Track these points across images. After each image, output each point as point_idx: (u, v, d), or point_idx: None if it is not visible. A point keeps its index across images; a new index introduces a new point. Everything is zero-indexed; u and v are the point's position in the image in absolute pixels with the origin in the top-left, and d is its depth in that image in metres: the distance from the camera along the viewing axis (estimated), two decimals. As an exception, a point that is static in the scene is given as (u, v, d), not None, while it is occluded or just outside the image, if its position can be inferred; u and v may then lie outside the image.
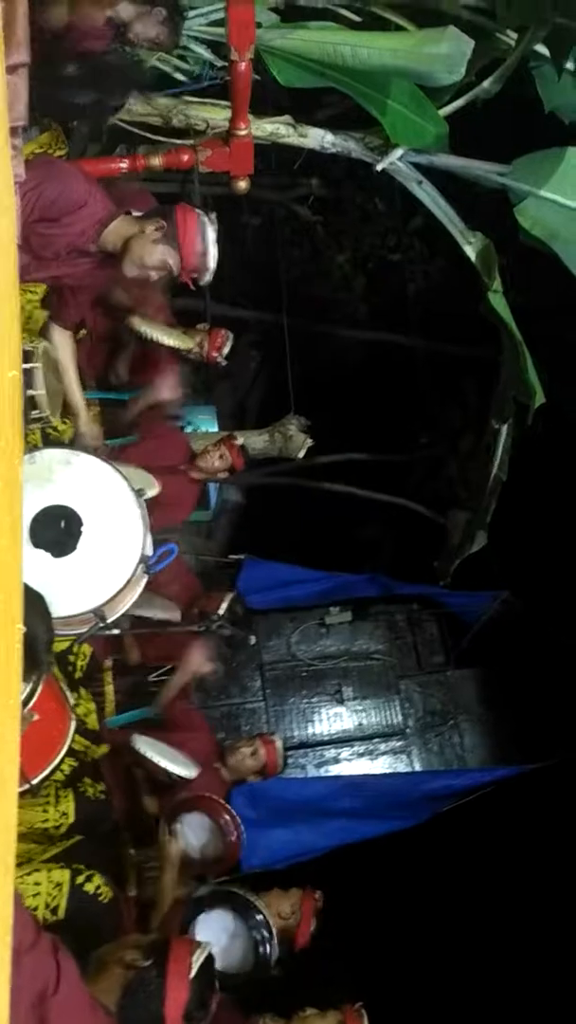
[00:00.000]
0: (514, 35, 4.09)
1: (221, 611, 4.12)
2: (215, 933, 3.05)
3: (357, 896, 5.36)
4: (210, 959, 2.20)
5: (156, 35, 3.60)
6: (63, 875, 3.08)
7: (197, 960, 2.12)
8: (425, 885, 5.95)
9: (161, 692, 4.17)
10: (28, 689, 2.36)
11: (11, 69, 1.79)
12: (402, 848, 5.32)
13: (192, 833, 3.55)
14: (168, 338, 4.21)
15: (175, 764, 3.59)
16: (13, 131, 1.73)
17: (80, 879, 3.10)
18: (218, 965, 2.47)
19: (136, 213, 3.37)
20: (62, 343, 3.65)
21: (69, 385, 3.69)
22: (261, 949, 3.08)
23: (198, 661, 4.05)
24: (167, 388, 4.33)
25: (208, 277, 3.27)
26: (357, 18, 4.17)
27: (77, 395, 3.73)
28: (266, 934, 3.09)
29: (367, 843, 5.05)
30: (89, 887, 3.10)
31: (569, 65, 3.99)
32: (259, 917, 3.10)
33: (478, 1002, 5.56)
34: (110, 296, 3.81)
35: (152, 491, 3.66)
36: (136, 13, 3.53)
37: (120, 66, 3.69)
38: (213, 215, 3.49)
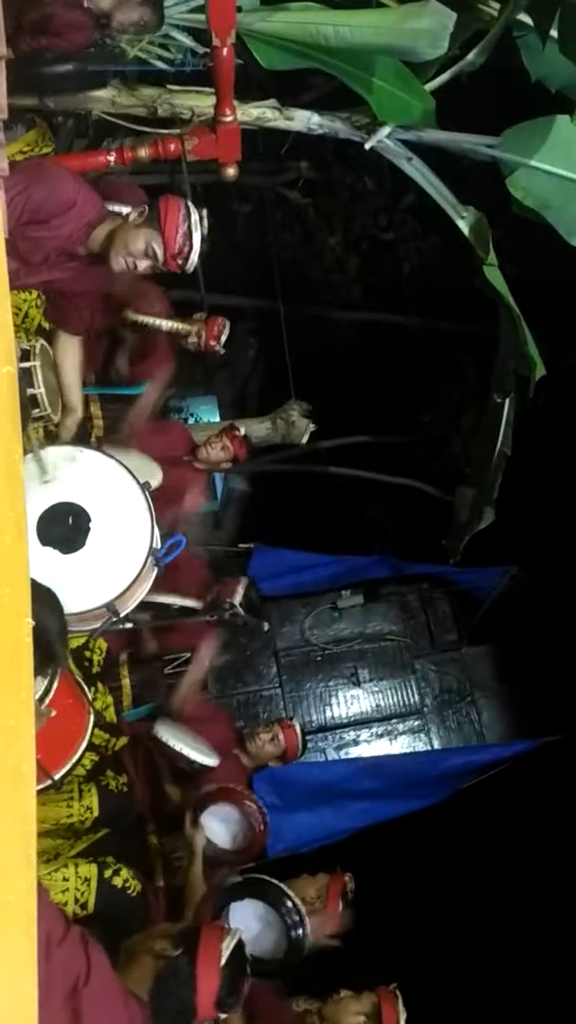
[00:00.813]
0: (496, 5, 4.05)
1: (237, 598, 4.12)
2: (247, 921, 3.06)
3: (384, 877, 5.39)
4: (240, 945, 2.22)
5: (139, 17, 3.58)
6: (91, 870, 3.11)
7: (227, 947, 2.13)
8: (449, 863, 5.98)
9: (178, 688, 4.18)
10: (44, 685, 2.37)
11: (-11, 62, 1.78)
12: (425, 827, 5.34)
13: (218, 824, 3.57)
14: (165, 323, 4.20)
15: (197, 752, 3.61)
16: (-3, 125, 1.72)
17: (108, 873, 3.12)
18: (251, 952, 2.48)
19: (126, 208, 3.36)
20: (70, 348, 3.62)
21: (69, 387, 3.65)
22: (293, 934, 3.09)
23: (211, 653, 4.05)
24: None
25: (194, 260, 3.24)
26: (337, -3, 4.13)
27: (75, 398, 3.69)
28: (297, 919, 3.11)
29: (392, 823, 5.07)
30: (117, 881, 3.13)
31: (553, 33, 3.95)
32: (289, 903, 3.11)
33: (508, 981, 5.59)
34: (108, 295, 3.79)
35: (156, 480, 3.66)
36: (114, 1, 3.52)
37: (98, 44, 3.67)
38: (204, 211, 3.47)
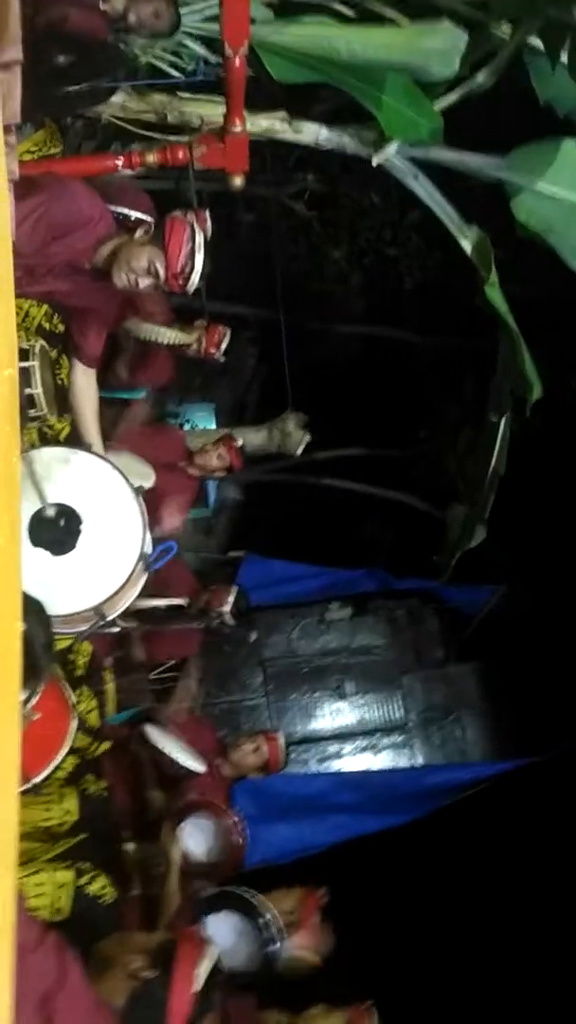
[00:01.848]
0: (508, 28, 4.08)
1: (226, 607, 4.12)
2: (222, 933, 3.05)
3: (362, 892, 5.36)
4: (216, 967, 2.21)
5: (154, 11, 3.60)
6: (67, 876, 3.09)
7: (202, 972, 2.13)
8: (429, 880, 5.96)
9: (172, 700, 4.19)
10: (27, 694, 2.36)
11: (4, 66, 1.78)
12: (406, 843, 5.32)
13: (196, 836, 3.55)
14: (166, 336, 4.20)
15: (184, 755, 3.60)
16: (7, 129, 1.71)
17: (83, 880, 3.11)
18: (225, 965, 2.46)
19: (135, 213, 3.36)
20: (87, 387, 3.58)
21: (87, 430, 3.58)
22: (269, 948, 3.08)
23: (199, 667, 4.06)
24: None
25: (195, 281, 3.25)
26: (351, 13, 4.15)
27: (94, 438, 3.61)
28: (273, 933, 3.10)
29: (371, 838, 5.05)
30: (92, 888, 3.11)
31: (563, 58, 3.98)
32: (266, 916, 3.10)
33: (484, 997, 5.57)
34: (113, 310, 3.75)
35: (148, 482, 3.65)
36: (127, 1, 3.55)
37: (111, 47, 3.67)
38: (207, 213, 3.48)
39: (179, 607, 4.14)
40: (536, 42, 4.01)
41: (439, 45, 3.79)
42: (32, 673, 2.25)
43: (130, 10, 3.66)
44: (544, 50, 3.95)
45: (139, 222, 3.44)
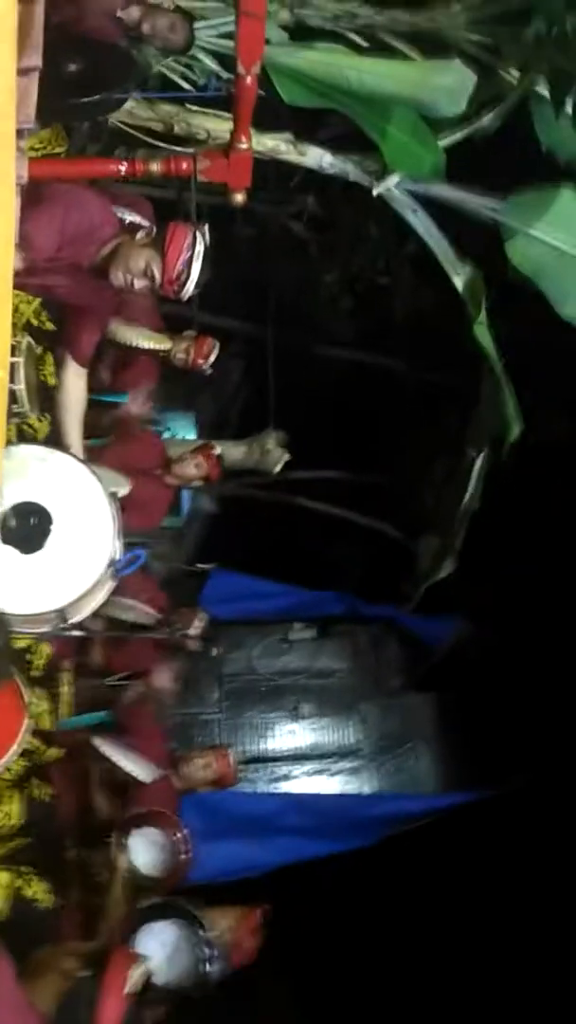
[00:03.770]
0: (516, 73, 4.16)
1: (194, 630, 4.12)
2: (158, 946, 3.01)
3: (302, 915, 5.33)
4: (148, 976, 2.19)
5: (170, 24, 3.64)
6: (4, 878, 3.05)
7: (135, 975, 2.10)
8: (375, 907, 5.93)
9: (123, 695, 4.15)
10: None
11: (23, 72, 1.78)
12: (351, 869, 5.30)
13: (143, 848, 3.52)
14: (146, 341, 4.20)
15: (136, 766, 3.58)
16: (19, 133, 1.71)
17: (19, 883, 3.07)
18: (158, 979, 2.44)
19: (136, 217, 3.37)
20: (76, 386, 3.55)
21: (68, 431, 3.55)
22: (202, 967, 3.05)
23: (163, 679, 4.05)
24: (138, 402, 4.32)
25: (190, 289, 3.26)
26: (365, 43, 4.21)
27: (75, 441, 3.58)
28: (209, 951, 3.07)
29: (316, 862, 5.03)
30: (28, 892, 3.08)
31: (568, 107, 4.06)
32: (203, 933, 3.07)
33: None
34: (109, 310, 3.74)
35: (123, 490, 3.63)
36: (144, 11, 3.57)
37: (124, 56, 3.69)
38: (206, 226, 3.49)
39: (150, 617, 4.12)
40: (542, 90, 4.08)
41: (448, 83, 3.86)
42: None
43: (146, 20, 3.68)
44: (549, 98, 4.03)
45: (138, 225, 3.44)
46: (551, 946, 5.36)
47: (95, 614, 3.07)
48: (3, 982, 1.97)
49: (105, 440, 4.45)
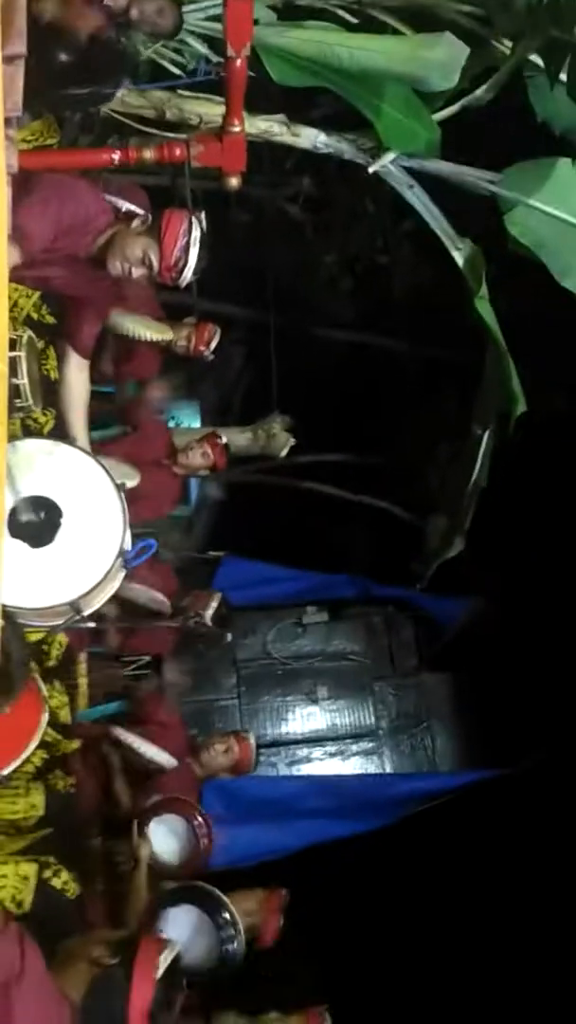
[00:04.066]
0: (509, 44, 4.11)
1: (208, 612, 4.12)
2: (181, 928, 3.04)
3: (326, 896, 5.37)
4: (177, 961, 2.20)
5: (158, 8, 3.61)
6: (30, 869, 3.07)
7: (164, 960, 2.12)
8: (394, 886, 5.97)
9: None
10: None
11: (8, 60, 1.78)
12: (372, 849, 5.33)
13: (164, 835, 3.54)
14: (146, 332, 4.19)
15: (157, 752, 3.60)
16: (7, 121, 1.71)
17: (47, 873, 3.09)
18: (182, 962, 2.46)
19: (130, 205, 3.35)
20: (79, 379, 3.54)
21: (73, 423, 3.54)
22: (226, 947, 3.08)
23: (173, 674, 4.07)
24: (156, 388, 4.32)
25: (188, 275, 3.25)
26: (354, 20, 4.17)
27: (80, 435, 3.56)
28: (232, 932, 3.10)
29: (336, 844, 5.06)
30: (56, 882, 3.10)
31: (562, 76, 4.01)
32: (226, 915, 3.10)
33: (447, 1007, 5.58)
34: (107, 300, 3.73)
35: (132, 481, 3.64)
36: None
37: (113, 50, 3.67)
38: (202, 213, 3.47)
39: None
40: (536, 59, 4.04)
41: (440, 57, 3.81)
42: (6, 687, 2.26)
43: (133, 5, 3.65)
44: (544, 68, 3.99)
45: (133, 214, 3.43)
46: (573, 919, 5.38)
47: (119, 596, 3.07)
48: (33, 972, 1.99)
49: (112, 431, 4.45)
